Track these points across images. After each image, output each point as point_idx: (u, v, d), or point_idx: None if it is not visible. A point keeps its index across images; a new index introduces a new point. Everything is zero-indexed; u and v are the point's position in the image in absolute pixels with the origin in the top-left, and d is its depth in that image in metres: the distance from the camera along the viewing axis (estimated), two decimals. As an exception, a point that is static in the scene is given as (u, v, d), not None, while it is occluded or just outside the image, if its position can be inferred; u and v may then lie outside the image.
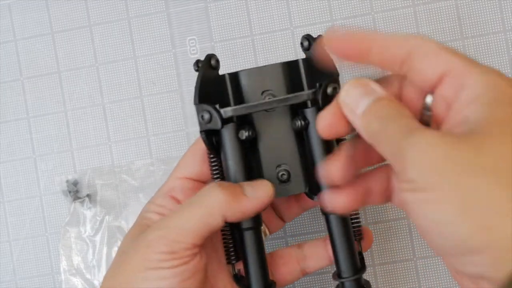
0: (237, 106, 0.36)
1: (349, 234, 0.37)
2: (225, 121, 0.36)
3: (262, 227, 0.40)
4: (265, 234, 0.41)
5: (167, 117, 0.49)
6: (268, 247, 0.47)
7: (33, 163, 0.50)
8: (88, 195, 0.49)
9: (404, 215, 0.46)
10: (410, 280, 0.46)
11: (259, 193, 0.35)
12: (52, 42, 0.50)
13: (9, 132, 0.50)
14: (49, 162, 0.50)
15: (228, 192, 0.34)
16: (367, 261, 0.46)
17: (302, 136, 0.38)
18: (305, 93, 0.36)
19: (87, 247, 0.48)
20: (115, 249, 0.48)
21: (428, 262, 0.46)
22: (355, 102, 0.30)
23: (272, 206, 0.41)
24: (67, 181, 0.49)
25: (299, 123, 0.37)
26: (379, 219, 0.47)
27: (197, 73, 0.37)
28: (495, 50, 0.46)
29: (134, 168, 0.49)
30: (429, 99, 0.30)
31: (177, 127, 0.49)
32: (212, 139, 0.37)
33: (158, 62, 0.49)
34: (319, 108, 0.35)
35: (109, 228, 0.48)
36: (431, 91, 0.30)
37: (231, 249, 0.38)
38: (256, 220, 0.37)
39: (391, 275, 0.46)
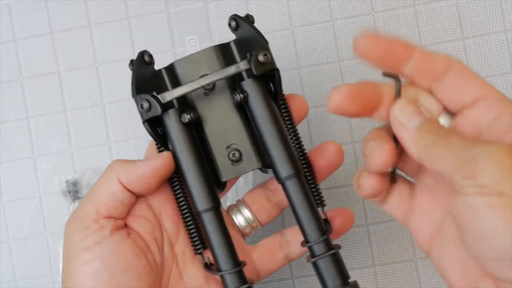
0: (174, 89, 0.36)
1: (308, 197, 0.36)
2: (165, 107, 0.36)
3: (251, 220, 0.40)
4: (254, 227, 0.41)
5: (167, 117, 0.49)
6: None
7: (33, 163, 0.50)
8: None
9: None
10: (411, 281, 0.46)
11: (155, 156, 0.36)
12: (51, 42, 0.50)
13: (8, 132, 0.50)
14: (49, 162, 0.50)
15: (124, 160, 0.37)
16: (368, 262, 0.46)
17: (245, 112, 0.38)
18: (238, 64, 0.36)
19: (86, 247, 0.48)
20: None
21: (429, 262, 0.46)
22: (407, 118, 0.31)
23: (263, 192, 0.41)
24: (67, 181, 0.49)
25: (238, 96, 0.37)
26: (379, 219, 0.47)
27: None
28: (495, 50, 0.46)
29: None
30: (445, 120, 0.32)
31: (177, 127, 0.49)
32: (157, 130, 0.37)
33: (158, 62, 0.49)
34: (255, 78, 0.36)
35: (109, 228, 0.48)
36: (448, 111, 0.32)
37: (195, 239, 0.38)
38: (213, 200, 0.36)
39: (391, 276, 0.46)
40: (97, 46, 0.50)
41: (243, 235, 0.41)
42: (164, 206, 0.38)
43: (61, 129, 0.50)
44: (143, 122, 0.37)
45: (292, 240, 0.40)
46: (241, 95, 0.37)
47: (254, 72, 0.36)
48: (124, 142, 0.49)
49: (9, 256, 0.49)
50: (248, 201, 0.41)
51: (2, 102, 0.50)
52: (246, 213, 0.40)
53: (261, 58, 0.36)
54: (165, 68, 0.39)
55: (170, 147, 0.37)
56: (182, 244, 0.38)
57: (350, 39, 0.47)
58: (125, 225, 0.37)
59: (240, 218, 0.40)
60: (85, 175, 0.49)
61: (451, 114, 0.32)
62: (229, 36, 0.49)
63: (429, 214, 0.32)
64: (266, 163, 0.38)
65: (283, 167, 0.36)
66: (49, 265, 0.49)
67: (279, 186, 0.39)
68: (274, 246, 0.40)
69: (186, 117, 0.36)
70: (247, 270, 0.37)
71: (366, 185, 0.32)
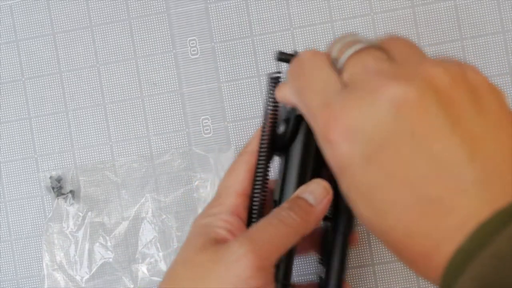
0: None
1: (346, 255, 0.40)
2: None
3: None
4: None
5: (168, 117, 0.49)
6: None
7: (35, 163, 0.50)
8: (71, 191, 0.49)
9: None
10: (409, 280, 0.46)
11: (320, 197, 0.36)
12: (53, 42, 0.50)
13: (10, 132, 0.50)
14: (51, 162, 0.50)
15: (302, 212, 0.36)
16: (367, 260, 0.47)
17: None
18: None
19: (69, 242, 0.49)
20: (97, 244, 0.48)
21: (427, 261, 0.46)
22: None
23: None
24: (51, 177, 0.49)
25: None
26: (378, 219, 0.47)
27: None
28: (493, 51, 0.47)
29: (117, 165, 0.49)
30: None
31: (177, 127, 0.49)
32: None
33: (158, 63, 0.49)
34: None
35: (91, 224, 0.49)
36: None
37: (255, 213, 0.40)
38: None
39: (390, 275, 0.47)
40: (98, 46, 0.50)
41: None
42: None
43: (62, 129, 0.50)
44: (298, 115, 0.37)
45: None
46: None
47: None
48: (125, 142, 0.49)
49: (11, 255, 0.50)
50: None
51: (4, 102, 0.51)
52: None
53: None
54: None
55: (294, 153, 0.38)
56: None
57: (349, 40, 0.48)
58: None
59: None
60: (69, 171, 0.49)
61: None
62: (230, 37, 0.49)
63: None
64: None
65: (344, 224, 0.40)
66: (51, 264, 0.49)
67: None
68: None
69: None
70: None
71: None
